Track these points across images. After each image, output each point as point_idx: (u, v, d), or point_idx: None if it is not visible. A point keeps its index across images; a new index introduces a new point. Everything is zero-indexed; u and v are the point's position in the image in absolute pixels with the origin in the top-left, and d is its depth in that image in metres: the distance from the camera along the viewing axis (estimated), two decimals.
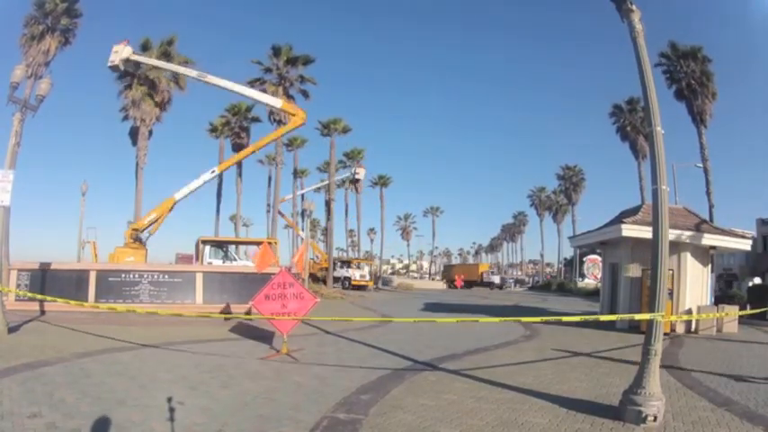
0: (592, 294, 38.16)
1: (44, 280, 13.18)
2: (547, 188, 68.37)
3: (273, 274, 9.97)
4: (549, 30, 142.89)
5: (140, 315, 12.46)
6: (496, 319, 11.88)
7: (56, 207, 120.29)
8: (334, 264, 38.95)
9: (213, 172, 20.25)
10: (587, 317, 9.27)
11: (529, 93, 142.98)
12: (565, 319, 7.87)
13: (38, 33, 23.83)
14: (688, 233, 13.75)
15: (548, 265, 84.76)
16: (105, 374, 6.81)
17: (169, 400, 4.93)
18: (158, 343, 9.46)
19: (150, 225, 19.09)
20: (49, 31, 24.10)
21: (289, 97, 32.63)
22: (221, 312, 13.09)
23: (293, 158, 49.87)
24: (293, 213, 50.17)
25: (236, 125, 39.44)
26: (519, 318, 9.95)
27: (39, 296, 12.05)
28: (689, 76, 28.25)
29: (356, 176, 45.04)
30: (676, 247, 13.19)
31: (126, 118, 29.16)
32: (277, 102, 21.89)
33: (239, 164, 40.75)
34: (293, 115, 19.87)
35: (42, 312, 12.64)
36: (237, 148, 40.14)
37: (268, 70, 32.86)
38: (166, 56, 28.49)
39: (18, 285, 13.17)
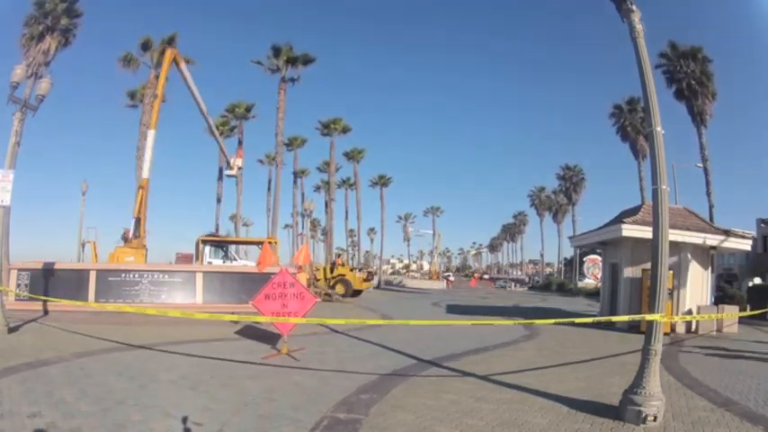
0: (592, 294, 38.15)
1: (44, 280, 13.19)
2: (547, 188, 68.45)
3: (274, 273, 9.96)
4: (550, 29, 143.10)
5: (141, 315, 12.48)
6: (502, 322, 11.84)
7: (56, 207, 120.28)
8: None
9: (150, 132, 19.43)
10: (588, 319, 9.27)
11: (529, 92, 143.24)
12: (578, 320, 7.81)
13: (37, 33, 23.80)
14: (688, 233, 13.75)
15: (548, 264, 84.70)
16: (105, 374, 6.81)
17: (184, 420, 4.83)
18: (158, 343, 9.45)
19: (140, 210, 18.65)
20: (49, 30, 24.05)
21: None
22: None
23: (293, 158, 49.95)
24: (293, 213, 50.22)
25: (236, 125, 39.49)
26: (531, 320, 9.83)
27: (38, 296, 12.05)
28: (689, 77, 28.24)
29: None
30: (676, 247, 13.18)
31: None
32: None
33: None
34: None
35: (43, 312, 12.65)
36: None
37: (268, 70, 32.85)
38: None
39: (18, 285, 13.18)
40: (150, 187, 18.06)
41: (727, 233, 14.29)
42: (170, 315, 7.50)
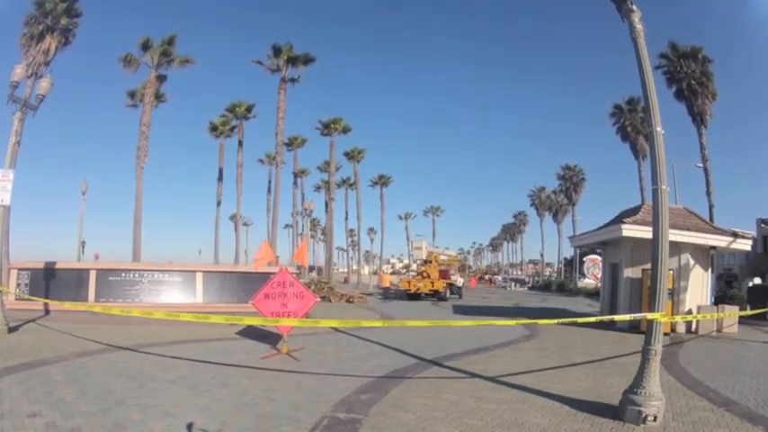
0: (592, 294, 38.14)
1: (44, 279, 13.17)
2: (547, 188, 68.31)
3: (273, 273, 9.97)
4: (549, 30, 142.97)
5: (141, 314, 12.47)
6: (503, 323, 11.86)
7: (56, 207, 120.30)
8: None
9: None
10: (590, 318, 9.24)
11: (529, 93, 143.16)
12: (579, 320, 7.81)
13: (38, 33, 23.78)
14: (688, 233, 13.74)
15: (548, 264, 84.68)
16: (105, 374, 6.81)
17: (189, 426, 4.73)
18: (158, 342, 9.46)
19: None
20: (49, 30, 24.03)
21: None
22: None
23: (293, 158, 49.98)
24: (293, 213, 50.27)
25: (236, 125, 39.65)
26: (536, 320, 9.80)
27: (36, 298, 12.01)
28: (689, 77, 28.19)
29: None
30: (676, 247, 13.17)
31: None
32: None
33: (239, 164, 41.04)
34: None
35: (44, 312, 12.64)
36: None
37: (268, 70, 32.87)
38: (166, 55, 28.57)
39: (18, 285, 13.16)
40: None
41: (727, 233, 14.28)
42: (156, 317, 7.70)
